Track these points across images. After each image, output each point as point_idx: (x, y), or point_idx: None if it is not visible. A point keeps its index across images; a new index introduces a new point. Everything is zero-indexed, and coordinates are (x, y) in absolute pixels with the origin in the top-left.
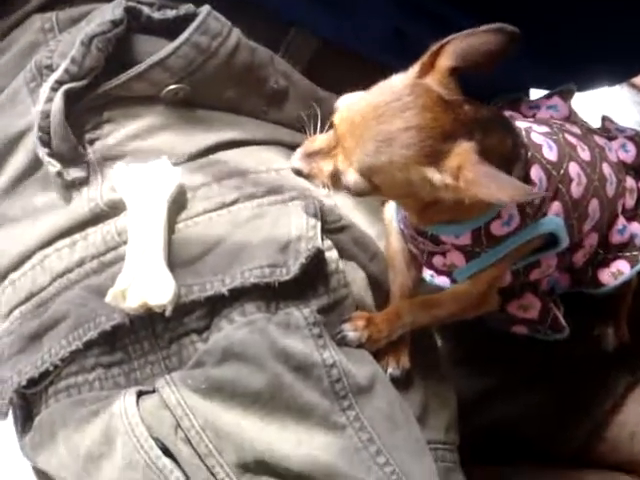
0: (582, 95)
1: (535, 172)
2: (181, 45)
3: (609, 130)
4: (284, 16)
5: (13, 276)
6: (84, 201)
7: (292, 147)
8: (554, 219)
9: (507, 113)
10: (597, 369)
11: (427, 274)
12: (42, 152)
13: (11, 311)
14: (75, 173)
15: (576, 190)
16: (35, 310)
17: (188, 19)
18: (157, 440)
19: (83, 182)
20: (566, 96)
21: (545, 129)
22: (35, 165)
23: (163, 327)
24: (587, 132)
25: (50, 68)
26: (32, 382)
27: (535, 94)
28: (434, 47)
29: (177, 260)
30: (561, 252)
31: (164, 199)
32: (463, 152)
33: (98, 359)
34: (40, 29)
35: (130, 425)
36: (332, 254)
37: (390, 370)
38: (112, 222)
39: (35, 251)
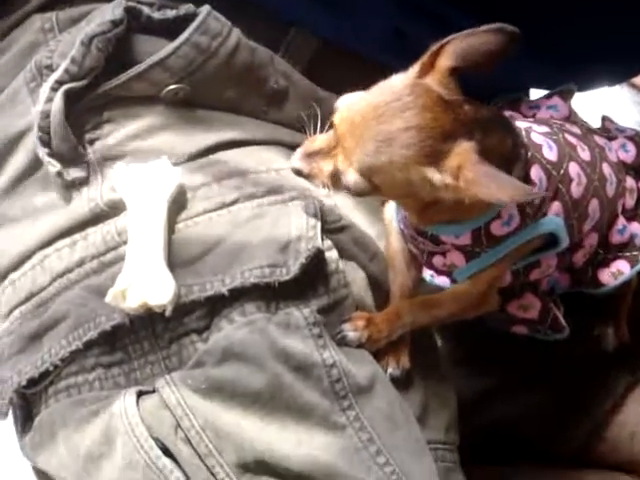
0: (582, 95)
1: (535, 172)
2: (181, 45)
3: (609, 130)
4: (284, 16)
5: (13, 276)
6: (84, 201)
7: (292, 147)
8: (554, 219)
9: (507, 113)
10: (597, 369)
11: (427, 274)
12: (42, 152)
13: (11, 311)
14: (75, 173)
15: (576, 190)
16: (35, 310)
17: (188, 19)
18: (157, 440)
19: (83, 182)
20: (566, 96)
21: (545, 129)
22: (35, 165)
23: (163, 327)
24: (587, 132)
25: (50, 68)
26: (32, 382)
27: (535, 94)
28: (434, 47)
29: (177, 260)
30: (561, 252)
31: (164, 199)
32: (463, 152)
33: (98, 359)
34: (40, 29)
35: (130, 425)
36: (332, 254)
37: (390, 370)
38: (112, 222)
39: (35, 251)
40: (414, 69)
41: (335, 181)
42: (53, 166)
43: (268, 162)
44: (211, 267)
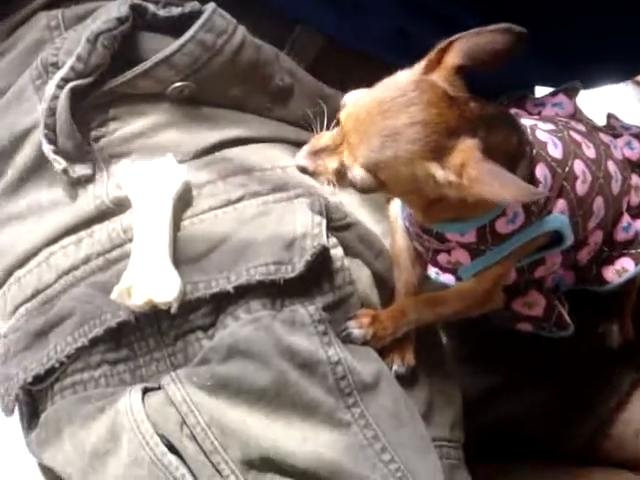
0: (587, 93)
1: (540, 170)
2: (186, 43)
3: (614, 128)
4: (289, 14)
5: (19, 273)
6: (90, 198)
7: (297, 144)
8: (559, 217)
9: (512, 110)
10: (602, 366)
11: (432, 272)
12: (48, 149)
13: (17, 308)
14: (81, 170)
15: (581, 188)
16: (41, 307)
17: (193, 17)
18: (162, 437)
19: (89, 179)
20: (571, 94)
21: (550, 127)
22: (41, 162)
23: (168, 324)
24: (592, 130)
25: (56, 65)
26: (38, 379)
27: (540, 92)
28: (441, 44)
29: (182, 257)
30: (566, 250)
31: (169, 196)
32: (466, 149)
33: (104, 356)
34: (46, 26)
35: (136, 422)
36: (337, 251)
37: (395, 367)
38: (118, 219)
39: (41, 248)
40: (420, 65)
41: (340, 178)
42: (59, 163)
43: (273, 160)
44: (216, 264)
